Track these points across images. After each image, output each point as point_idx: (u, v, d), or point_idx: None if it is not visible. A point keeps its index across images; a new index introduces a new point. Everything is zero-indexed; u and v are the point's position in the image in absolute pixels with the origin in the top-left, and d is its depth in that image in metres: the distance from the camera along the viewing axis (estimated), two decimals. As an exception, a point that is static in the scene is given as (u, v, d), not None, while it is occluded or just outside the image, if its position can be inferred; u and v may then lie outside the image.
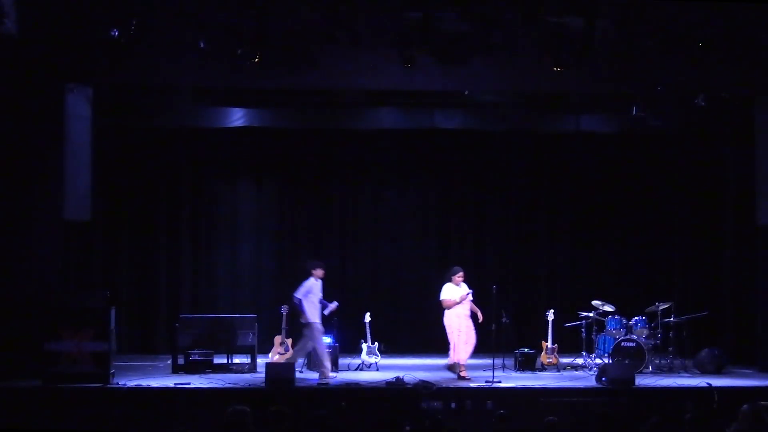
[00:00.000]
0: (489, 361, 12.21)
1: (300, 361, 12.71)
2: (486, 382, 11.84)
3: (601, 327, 13.39)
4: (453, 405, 11.07)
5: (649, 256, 15.81)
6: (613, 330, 13.18)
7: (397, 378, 11.71)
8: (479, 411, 10.93)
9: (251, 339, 12.92)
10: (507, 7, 11.64)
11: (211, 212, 15.73)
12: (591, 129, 15.27)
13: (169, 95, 14.27)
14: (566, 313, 13.88)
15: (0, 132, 12.19)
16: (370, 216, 15.96)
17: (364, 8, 11.73)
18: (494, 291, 12.10)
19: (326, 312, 12.49)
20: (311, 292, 12.21)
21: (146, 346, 15.14)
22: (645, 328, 13.08)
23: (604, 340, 13.23)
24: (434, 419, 8.21)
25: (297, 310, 12.26)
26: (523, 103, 14.98)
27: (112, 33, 11.45)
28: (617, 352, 12.69)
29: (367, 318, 13.42)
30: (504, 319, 12.41)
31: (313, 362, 12.66)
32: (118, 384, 11.40)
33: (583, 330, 13.44)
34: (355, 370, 13.16)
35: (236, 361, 12.98)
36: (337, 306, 12.60)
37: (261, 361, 12.68)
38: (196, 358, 12.59)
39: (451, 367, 12.27)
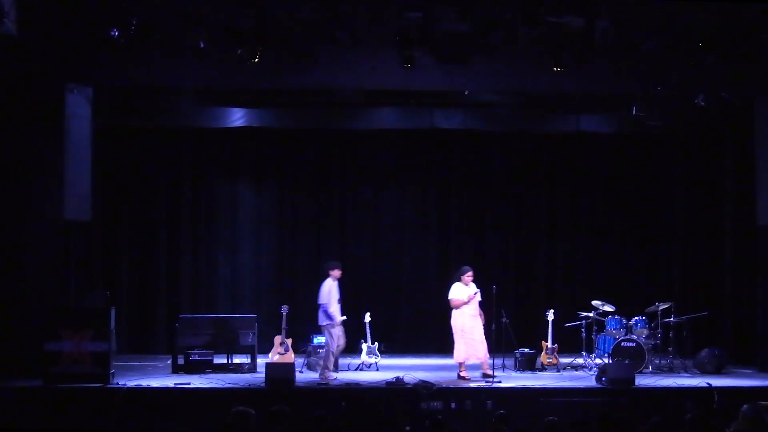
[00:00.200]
0: (489, 361, 12.24)
1: (304, 360, 12.68)
2: (486, 381, 11.85)
3: (601, 327, 13.38)
4: (453, 405, 11.08)
5: (649, 256, 15.82)
6: (613, 330, 13.18)
7: (397, 378, 11.70)
8: (479, 411, 10.93)
9: (251, 339, 12.91)
10: (507, 7, 11.65)
11: (211, 212, 15.71)
12: (591, 129, 15.25)
13: (169, 95, 14.29)
14: (566, 313, 13.87)
15: (0, 132, 12.20)
16: (369, 216, 15.92)
17: (364, 8, 11.75)
18: (494, 291, 12.10)
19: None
20: (331, 295, 12.15)
21: (146, 346, 15.10)
22: (645, 328, 13.08)
23: (604, 340, 13.23)
24: (434, 419, 8.19)
25: (323, 316, 12.10)
26: (523, 103, 14.99)
27: (112, 33, 11.46)
28: (617, 352, 12.68)
29: (367, 318, 13.41)
30: (504, 319, 12.42)
31: (312, 362, 12.65)
32: (118, 384, 11.38)
33: (583, 330, 13.43)
34: (355, 370, 13.14)
35: (236, 361, 12.97)
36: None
37: (261, 361, 12.67)
38: (196, 358, 12.58)
39: (485, 375, 12.21)
